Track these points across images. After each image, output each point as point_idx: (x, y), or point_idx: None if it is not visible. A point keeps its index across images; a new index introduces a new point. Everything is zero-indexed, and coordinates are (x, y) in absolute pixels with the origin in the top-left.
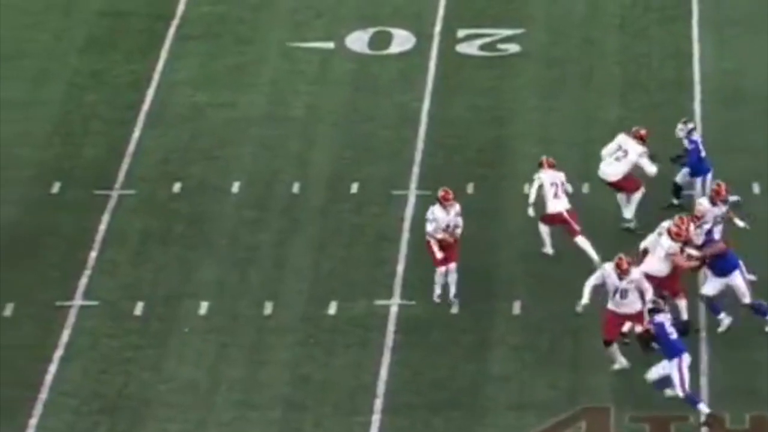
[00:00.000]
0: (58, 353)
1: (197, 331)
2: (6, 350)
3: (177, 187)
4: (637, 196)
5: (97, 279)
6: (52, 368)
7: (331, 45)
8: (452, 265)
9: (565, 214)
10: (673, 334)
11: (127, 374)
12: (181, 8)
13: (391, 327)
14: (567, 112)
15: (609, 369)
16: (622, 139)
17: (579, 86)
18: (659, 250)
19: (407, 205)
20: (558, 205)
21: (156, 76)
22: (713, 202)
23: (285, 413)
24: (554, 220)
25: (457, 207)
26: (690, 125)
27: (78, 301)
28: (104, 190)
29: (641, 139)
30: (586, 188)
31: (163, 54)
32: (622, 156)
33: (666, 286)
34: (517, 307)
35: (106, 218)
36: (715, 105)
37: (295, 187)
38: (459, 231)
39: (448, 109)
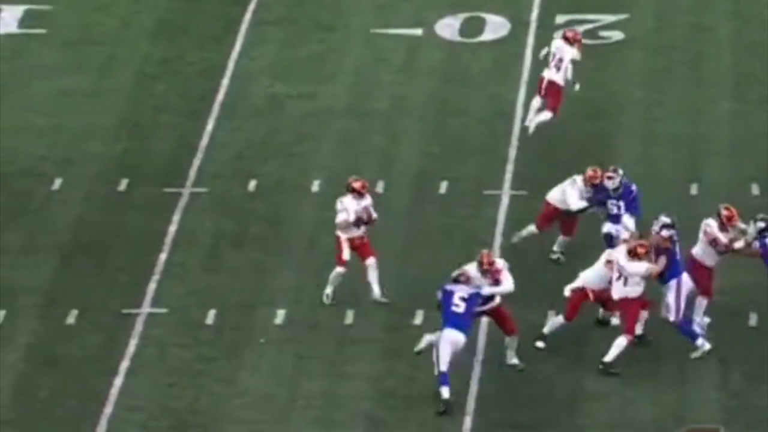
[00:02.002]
0: (125, 364)
1: (273, 342)
2: (69, 361)
3: (252, 185)
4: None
5: (166, 284)
6: (118, 381)
7: (419, 32)
8: (371, 261)
9: (544, 81)
10: (459, 308)
11: (198, 387)
12: None
13: (481, 338)
14: (674, 105)
15: (719, 385)
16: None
17: (688, 77)
18: (635, 277)
19: (500, 206)
20: (547, 72)
21: (231, 65)
22: (724, 228)
23: (367, 431)
24: (539, 83)
25: (369, 199)
26: (620, 171)
27: (146, 308)
28: (175, 187)
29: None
30: (694, 189)
31: (239, 40)
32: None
33: (639, 306)
34: (616, 317)
35: (176, 218)
36: None
37: (379, 186)
38: (373, 220)
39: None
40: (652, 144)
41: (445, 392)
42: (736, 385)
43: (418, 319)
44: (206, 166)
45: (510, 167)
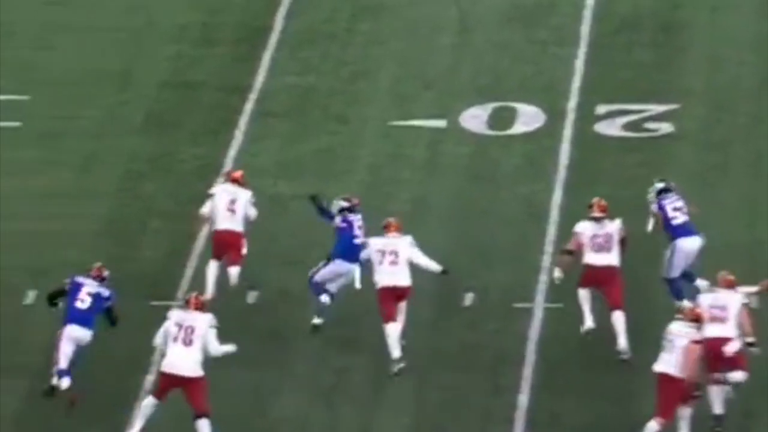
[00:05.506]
0: None
1: None
2: None
3: (252, 296)
4: None
5: None
6: None
7: (442, 123)
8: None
9: None
10: (84, 303)
11: None
12: (260, 79)
13: None
14: (729, 205)
15: None
16: None
17: (744, 174)
18: None
19: (532, 320)
20: None
21: (228, 162)
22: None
23: None
24: None
25: None
26: (343, 203)
27: None
28: (160, 300)
29: None
30: (754, 300)
31: (238, 135)
32: None
33: None
34: None
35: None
36: None
37: None
38: None
39: (584, 203)
40: (705, 251)
41: (64, 383)
42: None
43: None
44: (200, 275)
45: (543, 277)
